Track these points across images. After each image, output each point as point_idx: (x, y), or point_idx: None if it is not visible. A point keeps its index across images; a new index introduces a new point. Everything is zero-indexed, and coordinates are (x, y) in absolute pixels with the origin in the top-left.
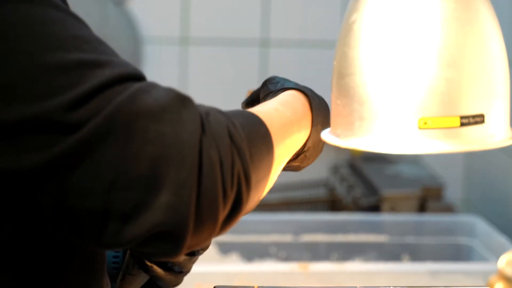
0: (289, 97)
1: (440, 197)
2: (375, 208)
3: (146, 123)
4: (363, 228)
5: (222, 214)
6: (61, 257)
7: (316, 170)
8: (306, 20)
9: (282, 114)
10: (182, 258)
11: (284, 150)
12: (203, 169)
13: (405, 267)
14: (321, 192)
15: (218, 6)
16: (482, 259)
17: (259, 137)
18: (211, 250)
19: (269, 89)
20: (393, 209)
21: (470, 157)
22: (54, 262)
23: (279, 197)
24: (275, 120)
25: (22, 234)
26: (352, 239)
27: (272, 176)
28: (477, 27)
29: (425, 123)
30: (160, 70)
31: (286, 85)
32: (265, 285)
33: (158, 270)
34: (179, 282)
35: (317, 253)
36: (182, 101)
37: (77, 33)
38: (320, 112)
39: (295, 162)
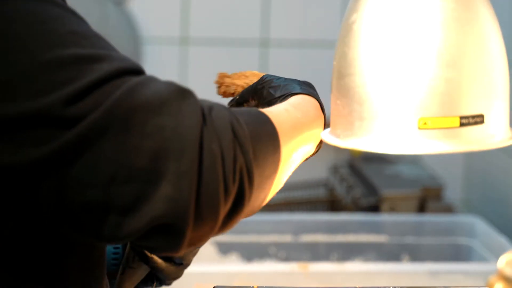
0: (299, 99)
1: (440, 197)
2: (374, 208)
3: (145, 116)
4: (362, 228)
5: (224, 209)
6: (59, 254)
7: (316, 170)
8: (306, 20)
9: (293, 115)
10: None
11: (294, 150)
12: (204, 162)
13: (405, 267)
14: (320, 192)
15: (218, 6)
16: (481, 259)
17: (265, 135)
18: (211, 250)
19: (272, 95)
20: (392, 209)
21: (470, 157)
22: (52, 258)
23: (279, 197)
24: (285, 121)
25: (21, 231)
26: (352, 239)
27: (281, 176)
28: (477, 27)
29: (425, 123)
30: (160, 70)
31: (292, 90)
32: (264, 285)
33: (158, 261)
34: (179, 274)
35: (316, 253)
36: (182, 93)
37: (75, 28)
38: None
39: None
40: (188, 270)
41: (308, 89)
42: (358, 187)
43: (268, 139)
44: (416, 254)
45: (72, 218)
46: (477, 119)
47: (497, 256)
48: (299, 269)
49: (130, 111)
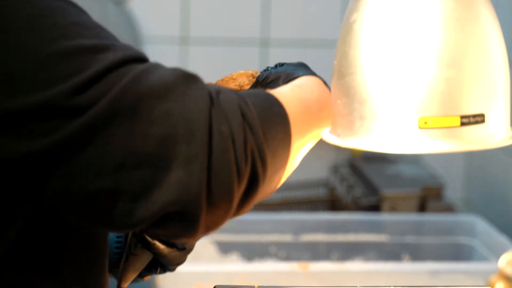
0: (301, 80)
1: (440, 197)
2: (375, 207)
3: (151, 102)
4: (363, 228)
5: (238, 191)
6: (61, 245)
7: (316, 170)
8: (306, 19)
9: (299, 94)
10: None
11: (305, 129)
12: (214, 145)
13: (405, 267)
14: (321, 192)
15: (218, 6)
16: (482, 258)
17: (274, 116)
18: (211, 250)
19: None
20: (393, 209)
21: (470, 156)
22: (54, 250)
23: (279, 197)
24: (292, 100)
25: (26, 224)
26: (352, 238)
27: (294, 156)
28: (478, 27)
29: (425, 122)
30: None
31: (292, 76)
32: (265, 284)
33: (161, 247)
34: (183, 259)
35: (317, 252)
36: (188, 78)
37: (77, 20)
38: None
39: None
40: (188, 270)
41: (306, 70)
42: (359, 186)
43: (277, 119)
44: (417, 254)
45: (82, 207)
46: (478, 119)
47: (497, 256)
48: (299, 269)
49: (137, 98)
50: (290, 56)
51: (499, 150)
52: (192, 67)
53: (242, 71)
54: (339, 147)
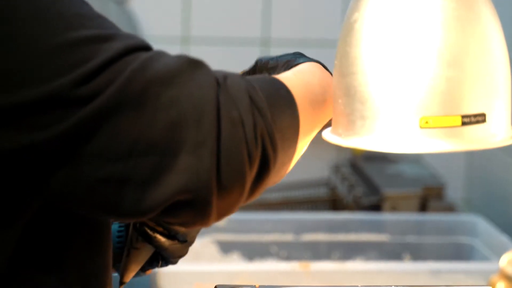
0: (301, 66)
1: (441, 197)
2: (376, 207)
3: (158, 89)
4: (364, 228)
5: (250, 175)
6: (65, 240)
7: (317, 169)
8: (307, 19)
9: (301, 78)
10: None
11: (311, 111)
12: (223, 129)
13: (406, 267)
14: (322, 192)
15: (219, 6)
16: (483, 258)
17: (281, 100)
18: (212, 249)
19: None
20: (394, 209)
21: (471, 156)
22: (58, 244)
23: (280, 197)
24: (296, 84)
25: (31, 217)
26: (353, 238)
27: (303, 138)
28: (479, 26)
29: (427, 122)
30: None
31: (291, 64)
32: (266, 284)
33: (162, 239)
34: (184, 252)
35: (318, 252)
36: (193, 64)
37: (80, 11)
38: None
39: None
40: (189, 269)
41: (305, 57)
42: (360, 186)
43: (284, 103)
44: (418, 253)
45: (90, 196)
46: (479, 118)
47: (498, 255)
48: (300, 268)
49: (143, 85)
50: None
51: (500, 150)
52: None
53: (243, 72)
54: (340, 146)
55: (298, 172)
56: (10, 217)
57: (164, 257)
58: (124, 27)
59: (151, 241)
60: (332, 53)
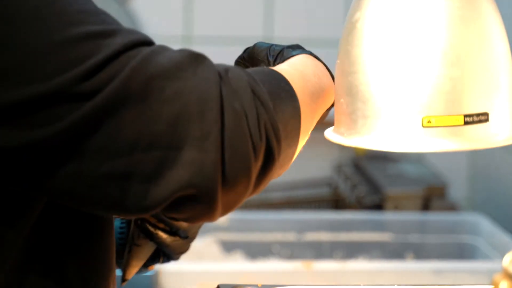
0: (294, 59)
1: (444, 196)
2: (378, 206)
3: (161, 83)
4: (366, 227)
5: (255, 167)
6: (68, 238)
7: (320, 169)
8: (309, 18)
9: (297, 70)
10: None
11: (310, 103)
12: (226, 122)
13: (409, 266)
14: (324, 191)
15: (221, 4)
16: (486, 257)
17: (282, 91)
18: (215, 249)
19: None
20: (396, 208)
21: (474, 155)
22: (61, 243)
23: (282, 196)
24: (293, 76)
25: (36, 216)
26: (356, 237)
27: (305, 129)
28: (481, 26)
29: (429, 121)
30: None
31: (290, 54)
32: (268, 283)
33: (163, 236)
34: (185, 248)
35: (320, 251)
36: (196, 58)
37: (83, 7)
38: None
39: None
40: (191, 269)
41: (297, 50)
42: (362, 185)
43: (285, 95)
44: (420, 253)
45: (94, 191)
46: (481, 118)
47: (501, 254)
48: (303, 268)
49: (147, 79)
50: None
51: (502, 149)
52: None
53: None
54: (342, 146)
55: (300, 171)
56: (15, 215)
57: (166, 254)
58: (126, 26)
59: (153, 238)
60: (334, 53)
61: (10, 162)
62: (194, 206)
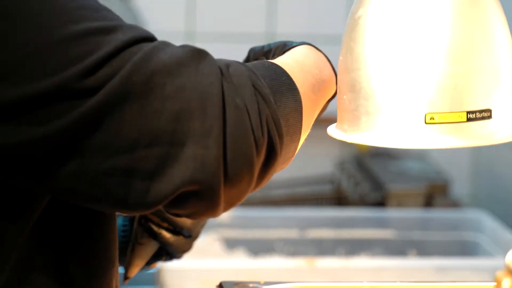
0: (294, 50)
1: (447, 193)
2: (381, 204)
3: (163, 79)
4: (369, 224)
5: (257, 162)
6: (71, 237)
7: (323, 166)
8: (312, 15)
9: (297, 61)
10: (189, 221)
11: (312, 95)
12: (228, 117)
13: (412, 263)
14: (327, 188)
15: (224, 1)
16: (488, 254)
17: (283, 85)
18: (217, 246)
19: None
20: (399, 205)
21: (477, 152)
22: (64, 242)
23: (285, 193)
24: (293, 68)
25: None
26: (358, 234)
27: (307, 122)
28: (484, 23)
29: (432, 118)
30: None
31: (290, 45)
32: (271, 280)
33: (167, 235)
34: (189, 247)
35: (323, 248)
36: (197, 54)
37: (84, 3)
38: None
39: None
40: (194, 266)
41: (296, 42)
42: (365, 182)
43: (286, 88)
44: (423, 250)
45: (97, 188)
46: (484, 114)
47: (504, 251)
48: (305, 265)
49: (148, 75)
50: None
51: (505, 146)
52: None
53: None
54: (345, 143)
55: (303, 168)
56: (17, 212)
57: (168, 252)
58: (128, 22)
59: (156, 237)
60: (337, 49)
61: (12, 160)
62: (196, 202)
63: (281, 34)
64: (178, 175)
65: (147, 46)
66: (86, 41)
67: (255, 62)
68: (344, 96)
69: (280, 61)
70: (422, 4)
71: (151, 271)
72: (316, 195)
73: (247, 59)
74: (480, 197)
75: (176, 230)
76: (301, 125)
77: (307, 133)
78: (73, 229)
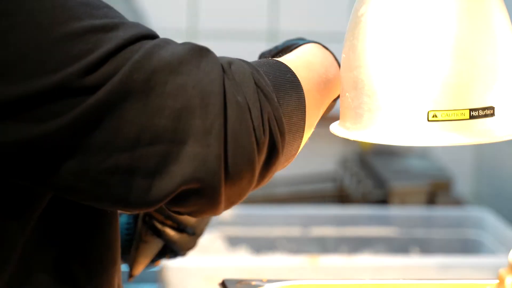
0: (301, 49)
1: (449, 191)
2: (384, 201)
3: (164, 77)
4: (372, 222)
5: (259, 161)
6: (72, 237)
7: (325, 164)
8: (314, 12)
9: (303, 59)
10: (193, 219)
11: (316, 93)
12: (229, 115)
13: (414, 261)
14: (330, 186)
15: None
16: (491, 252)
17: (286, 83)
18: (220, 244)
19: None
20: (402, 203)
21: (480, 150)
22: (65, 242)
23: (288, 191)
24: (299, 65)
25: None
26: (361, 232)
27: (311, 120)
28: (488, 20)
29: (435, 115)
30: None
31: (297, 44)
32: (273, 278)
33: (171, 233)
34: (192, 245)
35: (326, 246)
36: (199, 51)
37: (84, 1)
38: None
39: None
40: (196, 264)
41: (304, 40)
42: (367, 180)
43: (290, 86)
44: (426, 247)
45: (98, 186)
46: (487, 112)
47: (507, 249)
48: (308, 263)
49: (150, 73)
50: None
51: (508, 143)
52: None
53: None
54: (348, 140)
55: (306, 166)
56: (19, 210)
57: (173, 250)
58: (130, 19)
59: (160, 235)
60: (339, 47)
61: (12, 158)
62: (197, 200)
63: (284, 32)
64: (179, 173)
65: (148, 44)
66: (87, 39)
67: (259, 60)
68: (347, 94)
69: (286, 59)
70: (425, 1)
71: (155, 269)
72: (319, 192)
73: None
74: (483, 195)
75: (180, 227)
76: (304, 123)
77: (311, 132)
78: (75, 228)
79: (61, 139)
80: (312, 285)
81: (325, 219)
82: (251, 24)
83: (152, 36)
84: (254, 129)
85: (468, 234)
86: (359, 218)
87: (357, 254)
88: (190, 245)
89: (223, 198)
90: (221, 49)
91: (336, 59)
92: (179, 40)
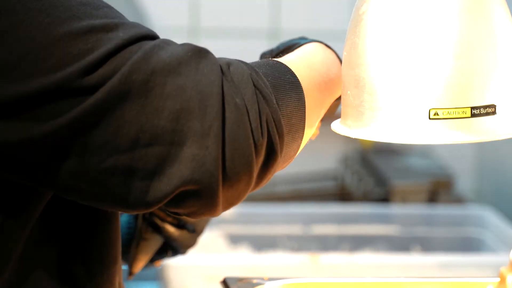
0: (303, 48)
1: (451, 189)
2: (385, 199)
3: (163, 78)
4: (373, 220)
5: (257, 162)
6: (73, 235)
7: (326, 162)
8: (316, 10)
9: (305, 59)
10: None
11: (317, 93)
12: (227, 117)
13: (415, 259)
14: (331, 184)
15: None
16: (493, 250)
17: (286, 83)
18: (221, 242)
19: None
20: (403, 201)
21: (481, 148)
22: (66, 240)
23: (289, 189)
24: (300, 65)
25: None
26: (362, 231)
27: (311, 121)
28: (489, 18)
29: (436, 113)
30: None
31: (299, 43)
32: (275, 276)
33: (171, 230)
34: (193, 242)
35: (327, 244)
36: (198, 53)
37: (84, 0)
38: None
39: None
40: (198, 262)
41: (306, 39)
42: (369, 178)
43: (289, 87)
44: (427, 246)
45: (97, 187)
46: (489, 110)
47: (508, 248)
48: (309, 261)
49: (148, 74)
50: None
51: (510, 141)
52: None
53: None
54: (349, 138)
55: (307, 164)
56: (20, 209)
57: (173, 248)
58: (131, 17)
59: (161, 231)
60: (341, 45)
61: (12, 157)
62: (195, 202)
63: (285, 30)
64: (177, 175)
65: (147, 45)
66: (87, 39)
67: (259, 60)
68: (348, 92)
69: (286, 59)
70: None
71: (154, 269)
72: (320, 191)
73: None
74: (484, 193)
75: (180, 224)
76: (304, 124)
77: (313, 131)
78: (75, 227)
79: (61, 139)
80: (313, 283)
81: (326, 217)
82: (252, 22)
83: (152, 36)
84: (252, 131)
85: (470, 233)
86: (360, 216)
87: (358, 252)
88: (190, 243)
89: (221, 199)
90: (222, 48)
91: (338, 58)
92: (180, 38)
